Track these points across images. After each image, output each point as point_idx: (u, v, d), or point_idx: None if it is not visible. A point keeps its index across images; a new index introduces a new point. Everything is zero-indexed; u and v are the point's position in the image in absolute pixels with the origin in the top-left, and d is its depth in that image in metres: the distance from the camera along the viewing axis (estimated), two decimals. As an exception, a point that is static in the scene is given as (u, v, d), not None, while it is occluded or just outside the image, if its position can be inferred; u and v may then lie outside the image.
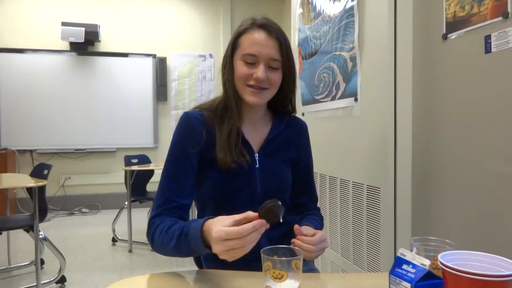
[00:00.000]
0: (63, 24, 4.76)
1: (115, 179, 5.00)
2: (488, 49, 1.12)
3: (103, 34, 5.05)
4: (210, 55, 5.51)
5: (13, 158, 4.70)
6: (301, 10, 2.18)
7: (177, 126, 1.03)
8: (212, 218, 0.81)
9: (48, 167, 2.74)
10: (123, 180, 3.64)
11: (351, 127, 1.67)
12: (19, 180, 2.95)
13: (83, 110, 4.99)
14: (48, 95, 4.86)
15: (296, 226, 0.94)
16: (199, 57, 5.45)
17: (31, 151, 4.89)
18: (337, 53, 1.74)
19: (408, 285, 0.62)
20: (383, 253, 1.45)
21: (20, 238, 3.40)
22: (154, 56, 5.24)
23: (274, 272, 0.68)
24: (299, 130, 1.15)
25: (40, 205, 2.42)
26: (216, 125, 1.02)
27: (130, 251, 3.40)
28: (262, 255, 0.70)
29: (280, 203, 0.75)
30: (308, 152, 1.18)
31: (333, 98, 1.81)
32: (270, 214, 0.74)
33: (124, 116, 5.13)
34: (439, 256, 0.59)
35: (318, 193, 1.28)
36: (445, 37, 1.29)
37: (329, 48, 1.82)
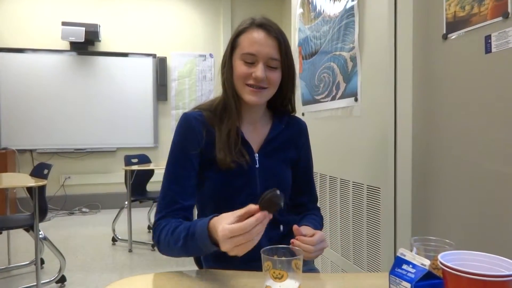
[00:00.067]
0: (63, 23, 4.76)
1: (115, 178, 5.00)
2: (488, 49, 1.12)
3: (103, 34, 5.05)
4: (210, 55, 5.51)
5: (13, 158, 4.70)
6: (301, 10, 2.18)
7: (177, 127, 1.02)
8: (217, 215, 0.81)
9: (48, 166, 2.74)
10: (123, 180, 3.64)
11: (351, 127, 1.67)
12: (19, 180, 2.95)
13: (83, 109, 4.99)
14: (48, 95, 4.86)
15: (295, 227, 0.94)
16: (199, 57, 5.45)
17: (31, 151, 4.89)
18: (337, 53, 1.74)
19: (408, 285, 0.62)
20: (383, 253, 1.45)
21: (20, 238, 3.40)
22: (154, 56, 5.24)
23: (274, 272, 0.68)
24: (299, 130, 1.15)
25: (40, 204, 2.42)
26: (216, 125, 1.02)
27: (130, 250, 3.40)
28: (262, 255, 0.70)
29: (278, 191, 0.75)
30: (308, 152, 1.18)
31: (333, 98, 1.81)
32: (270, 205, 0.74)
33: (124, 116, 5.13)
34: (439, 256, 0.59)
35: (318, 193, 1.28)
36: (445, 37, 1.29)
37: (329, 48, 1.82)
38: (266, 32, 0.98)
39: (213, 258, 1.05)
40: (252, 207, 0.76)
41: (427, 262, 0.62)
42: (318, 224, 1.10)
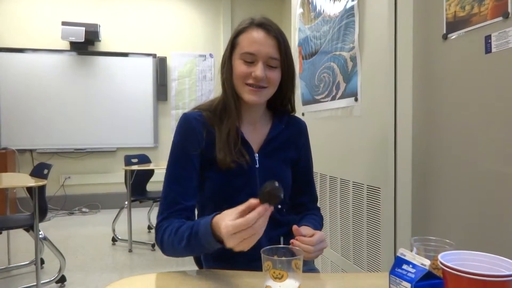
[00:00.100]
0: (63, 23, 4.76)
1: (115, 178, 5.00)
2: (488, 49, 1.12)
3: (103, 34, 5.05)
4: (210, 55, 5.51)
5: (13, 158, 4.70)
6: (301, 10, 2.18)
7: (177, 127, 1.02)
8: (219, 213, 0.81)
9: (48, 166, 2.74)
10: (123, 180, 3.64)
11: (351, 127, 1.67)
12: (19, 180, 2.95)
13: (83, 109, 4.99)
14: (48, 95, 4.86)
15: (294, 227, 0.94)
16: (199, 57, 5.45)
17: (31, 151, 4.89)
18: (337, 53, 1.74)
19: (408, 285, 0.62)
20: (383, 253, 1.45)
21: (20, 238, 3.40)
22: (154, 55, 5.24)
23: (274, 272, 0.68)
24: (299, 130, 1.15)
25: (40, 204, 2.42)
26: (216, 126, 1.02)
27: (130, 250, 3.40)
28: (262, 255, 0.70)
29: (277, 183, 0.75)
30: (307, 151, 1.18)
31: (333, 98, 1.81)
32: (271, 197, 0.75)
33: (124, 115, 5.13)
34: (439, 256, 0.59)
35: (318, 193, 1.28)
36: (445, 37, 1.29)
37: (329, 48, 1.82)
38: (266, 31, 0.98)
39: (213, 258, 1.05)
40: (252, 201, 0.76)
41: (427, 262, 0.62)
42: (318, 224, 1.10)
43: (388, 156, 1.41)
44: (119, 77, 5.11)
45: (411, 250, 0.72)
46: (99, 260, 3.16)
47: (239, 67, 0.98)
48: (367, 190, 1.54)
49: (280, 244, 1.01)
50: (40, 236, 2.50)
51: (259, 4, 5.58)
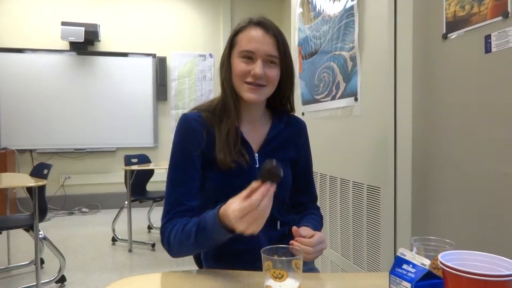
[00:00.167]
0: (63, 23, 4.75)
1: (115, 178, 5.00)
2: (488, 49, 1.12)
3: (103, 34, 5.05)
4: (210, 55, 5.51)
5: (13, 158, 4.70)
6: (301, 9, 2.18)
7: (177, 128, 1.02)
8: (224, 204, 0.82)
9: (48, 166, 2.74)
10: (123, 180, 3.64)
11: (351, 127, 1.67)
12: (19, 180, 2.95)
13: (83, 109, 4.99)
14: (48, 95, 4.86)
15: (294, 228, 0.94)
16: (199, 57, 5.45)
17: (31, 151, 4.89)
18: (337, 52, 1.74)
19: (408, 285, 0.62)
20: (383, 253, 1.45)
21: (20, 238, 3.40)
22: (154, 55, 5.24)
23: (274, 272, 0.68)
24: (298, 130, 1.15)
25: (40, 204, 2.42)
26: (215, 126, 1.02)
27: (130, 250, 3.40)
28: (262, 255, 0.70)
29: (275, 161, 0.76)
30: (307, 151, 1.17)
31: (333, 98, 1.81)
32: (271, 175, 0.75)
33: (124, 115, 5.13)
34: (439, 256, 0.59)
35: (318, 193, 1.28)
36: (445, 37, 1.29)
37: (329, 47, 1.82)
38: (264, 29, 0.98)
39: (213, 258, 1.05)
40: (254, 184, 0.76)
41: (427, 262, 0.62)
42: (318, 224, 1.10)
43: (388, 156, 1.41)
44: (118, 77, 5.11)
45: (411, 250, 0.72)
46: (99, 260, 3.16)
47: (238, 65, 0.98)
48: (367, 190, 1.54)
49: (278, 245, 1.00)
50: (40, 236, 2.50)
51: (259, 4, 5.57)
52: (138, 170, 3.59)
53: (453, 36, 1.25)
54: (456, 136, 1.26)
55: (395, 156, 1.41)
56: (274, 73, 1.00)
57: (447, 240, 0.72)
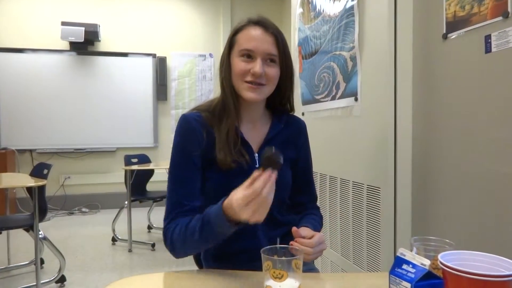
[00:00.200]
0: (63, 23, 4.75)
1: (115, 178, 5.00)
2: (488, 49, 1.12)
3: (103, 34, 5.05)
4: (210, 55, 5.51)
5: (13, 158, 4.70)
6: (301, 9, 2.18)
7: (177, 129, 1.02)
8: (227, 197, 0.82)
9: (48, 166, 2.74)
10: (123, 180, 3.64)
11: (351, 127, 1.67)
12: (19, 180, 2.95)
13: (83, 109, 4.99)
14: (48, 95, 4.86)
15: (294, 229, 0.94)
16: (199, 57, 5.45)
17: (30, 151, 4.89)
18: (337, 52, 1.74)
19: (408, 285, 0.62)
20: (383, 253, 1.45)
21: (20, 238, 3.40)
22: (154, 55, 5.24)
23: (274, 272, 0.68)
24: (298, 129, 1.15)
25: (40, 204, 2.42)
26: (215, 126, 1.02)
27: (130, 250, 3.40)
28: (262, 254, 0.70)
29: (274, 148, 0.77)
30: (307, 151, 1.17)
31: (333, 98, 1.81)
32: (271, 162, 0.76)
33: (124, 115, 5.13)
34: (439, 256, 0.59)
35: (318, 193, 1.28)
36: (445, 37, 1.29)
37: (329, 47, 1.82)
38: (264, 28, 0.98)
39: (213, 258, 1.05)
40: (255, 173, 0.77)
41: (427, 262, 0.62)
42: (317, 224, 1.10)
43: (388, 156, 1.41)
44: (118, 77, 5.11)
45: (411, 250, 0.72)
46: (99, 260, 3.16)
47: (238, 64, 0.98)
48: (367, 190, 1.54)
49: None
50: (40, 236, 2.50)
51: (259, 4, 5.58)
52: (138, 170, 3.59)
53: (453, 36, 1.25)
54: (456, 136, 1.26)
55: (395, 156, 1.41)
56: (273, 72, 1.00)
57: (447, 240, 0.72)
